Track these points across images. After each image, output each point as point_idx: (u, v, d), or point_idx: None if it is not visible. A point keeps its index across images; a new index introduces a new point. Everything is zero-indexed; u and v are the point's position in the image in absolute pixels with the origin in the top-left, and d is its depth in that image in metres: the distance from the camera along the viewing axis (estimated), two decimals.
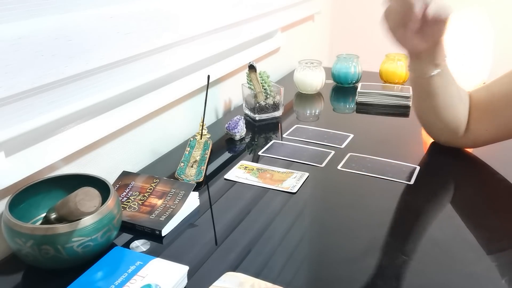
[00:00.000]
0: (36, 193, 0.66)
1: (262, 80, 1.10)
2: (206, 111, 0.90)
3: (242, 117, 1.02)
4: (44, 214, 0.64)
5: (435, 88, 0.82)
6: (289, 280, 0.58)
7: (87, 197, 0.56)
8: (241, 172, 0.85)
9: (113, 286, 0.54)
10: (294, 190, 0.78)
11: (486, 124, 0.84)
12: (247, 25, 1.20)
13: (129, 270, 0.56)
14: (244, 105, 1.15)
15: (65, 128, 0.74)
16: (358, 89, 1.22)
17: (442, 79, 0.81)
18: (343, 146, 0.95)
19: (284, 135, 1.02)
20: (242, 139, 1.00)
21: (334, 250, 0.64)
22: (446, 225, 0.69)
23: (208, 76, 0.92)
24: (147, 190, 0.75)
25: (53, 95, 0.67)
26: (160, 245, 0.65)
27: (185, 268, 0.57)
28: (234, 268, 0.60)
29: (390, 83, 1.32)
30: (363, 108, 1.19)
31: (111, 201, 0.61)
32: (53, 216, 0.60)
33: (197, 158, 0.86)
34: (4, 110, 0.61)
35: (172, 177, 0.82)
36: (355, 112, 1.17)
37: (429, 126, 0.91)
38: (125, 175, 0.79)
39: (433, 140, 0.94)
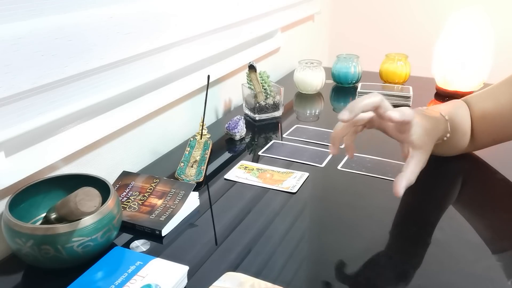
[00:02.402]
0: (36, 193, 0.66)
1: (262, 80, 1.10)
2: (206, 111, 0.90)
3: (242, 117, 1.02)
4: (44, 214, 0.64)
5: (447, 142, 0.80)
6: (289, 280, 0.58)
7: (87, 197, 0.56)
8: (241, 172, 0.85)
9: (113, 286, 0.54)
10: (294, 190, 0.78)
11: (493, 134, 0.81)
12: (247, 25, 1.20)
13: (129, 270, 0.56)
14: (244, 105, 1.15)
15: (65, 128, 0.74)
16: (358, 89, 1.22)
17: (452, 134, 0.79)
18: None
19: (284, 135, 1.01)
20: (242, 139, 1.00)
21: (334, 250, 0.64)
22: (447, 225, 0.69)
23: (208, 76, 0.92)
24: (147, 190, 0.75)
25: (53, 95, 0.67)
26: (160, 245, 0.65)
27: (185, 268, 0.57)
28: (234, 268, 0.60)
29: (390, 83, 1.32)
30: None
31: (111, 201, 0.61)
32: (53, 216, 0.60)
33: (197, 158, 0.86)
34: (4, 110, 0.61)
35: (172, 177, 0.82)
36: None
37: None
38: (125, 175, 0.79)
39: None
